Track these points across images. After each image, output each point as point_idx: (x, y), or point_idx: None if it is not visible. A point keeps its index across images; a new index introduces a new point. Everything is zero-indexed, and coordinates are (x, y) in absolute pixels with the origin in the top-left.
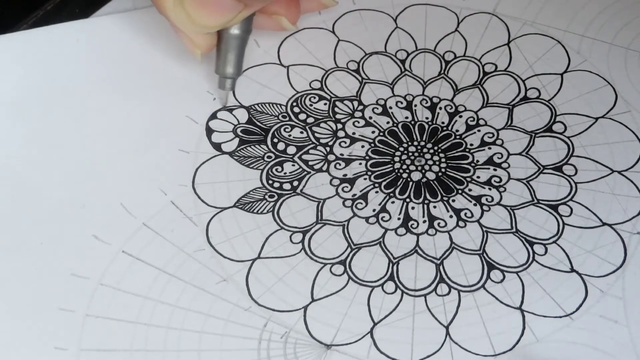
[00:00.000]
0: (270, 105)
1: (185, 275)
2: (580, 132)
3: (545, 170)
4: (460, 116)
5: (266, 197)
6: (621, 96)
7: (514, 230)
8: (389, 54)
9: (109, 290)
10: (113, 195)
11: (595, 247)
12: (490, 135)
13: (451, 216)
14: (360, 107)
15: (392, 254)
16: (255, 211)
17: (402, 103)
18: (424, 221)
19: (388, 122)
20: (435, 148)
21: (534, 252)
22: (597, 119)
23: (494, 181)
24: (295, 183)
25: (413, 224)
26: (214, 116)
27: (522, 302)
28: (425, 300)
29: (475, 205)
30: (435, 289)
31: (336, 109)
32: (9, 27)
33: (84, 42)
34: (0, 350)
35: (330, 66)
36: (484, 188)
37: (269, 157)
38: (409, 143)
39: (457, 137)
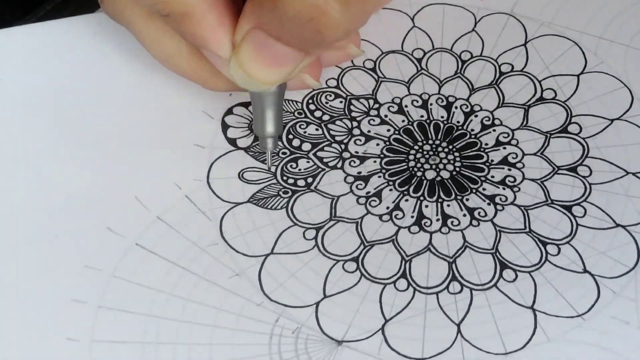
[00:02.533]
0: (286, 102)
1: (198, 269)
2: (596, 134)
3: (559, 171)
4: (476, 115)
5: (280, 193)
6: (637, 98)
7: (527, 230)
8: (405, 53)
9: (122, 282)
10: (128, 188)
11: (609, 248)
12: (506, 135)
13: (465, 215)
14: (376, 106)
15: (404, 252)
16: (269, 207)
17: (417, 102)
18: (438, 219)
19: (403, 121)
20: (450, 147)
21: (547, 252)
22: (612, 120)
23: (508, 181)
24: (310, 180)
25: (426, 222)
26: (229, 111)
27: (534, 302)
28: (437, 298)
29: (489, 204)
30: (447, 287)
31: (352, 107)
32: (8, 26)
33: (102, 34)
34: (13, 340)
35: (346, 64)
36: (498, 188)
37: (283, 153)
38: (424, 142)
39: (472, 136)
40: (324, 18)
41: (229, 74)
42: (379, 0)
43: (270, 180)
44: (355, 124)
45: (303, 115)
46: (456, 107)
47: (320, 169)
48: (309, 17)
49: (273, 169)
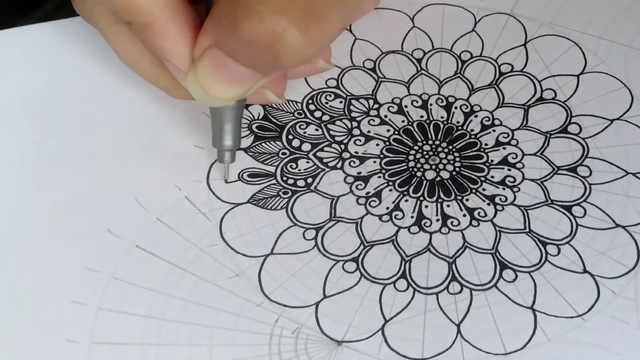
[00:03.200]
0: (286, 102)
1: (198, 270)
2: (596, 134)
3: (559, 171)
4: (476, 116)
5: (280, 193)
6: (637, 98)
7: (527, 230)
8: (405, 53)
9: (121, 284)
10: (127, 190)
11: (609, 248)
12: (505, 135)
13: (464, 215)
14: (376, 106)
15: (404, 252)
16: (269, 207)
17: (417, 102)
18: (437, 220)
19: (403, 121)
20: (450, 147)
21: (546, 253)
22: (612, 120)
23: (508, 181)
24: (310, 180)
25: (426, 222)
26: None
27: (534, 302)
28: (437, 298)
29: (489, 204)
30: (447, 287)
31: (351, 107)
32: (8, 26)
33: (100, 35)
34: (13, 342)
35: (346, 64)
36: (498, 188)
37: (283, 153)
38: (424, 142)
39: (472, 136)
40: (282, 45)
41: (187, 86)
42: (339, 27)
43: (270, 180)
44: (355, 124)
45: (303, 116)
46: (456, 108)
47: (320, 169)
48: (266, 43)
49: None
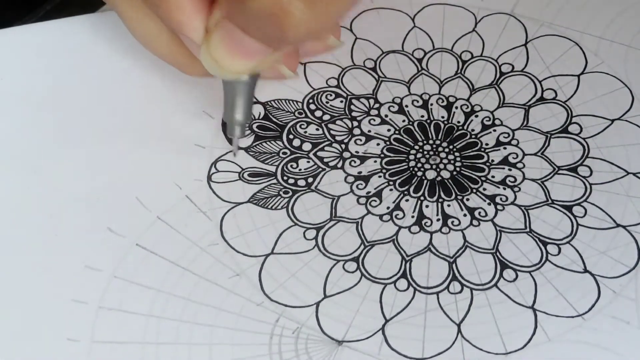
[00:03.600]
0: (287, 101)
1: (198, 269)
2: (596, 134)
3: (560, 171)
4: (476, 116)
5: (281, 193)
6: (638, 98)
7: (527, 230)
8: (406, 53)
9: (122, 282)
10: (128, 188)
11: (609, 248)
12: (506, 135)
13: (465, 215)
14: (377, 105)
15: (405, 252)
16: (269, 207)
17: (418, 102)
18: (438, 219)
19: (404, 121)
20: (451, 147)
21: (547, 252)
22: (613, 120)
23: (509, 181)
24: (310, 179)
25: (427, 222)
26: None
27: (534, 302)
28: (438, 298)
29: (489, 204)
30: (447, 287)
31: (352, 107)
32: (8, 26)
33: (102, 34)
34: (13, 341)
35: (347, 64)
36: (499, 187)
37: (284, 153)
38: (425, 142)
39: (473, 136)
40: (286, 16)
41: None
42: (345, 4)
43: (270, 180)
44: (355, 123)
45: (303, 115)
46: (457, 107)
47: (320, 169)
48: (271, 13)
49: (239, 155)
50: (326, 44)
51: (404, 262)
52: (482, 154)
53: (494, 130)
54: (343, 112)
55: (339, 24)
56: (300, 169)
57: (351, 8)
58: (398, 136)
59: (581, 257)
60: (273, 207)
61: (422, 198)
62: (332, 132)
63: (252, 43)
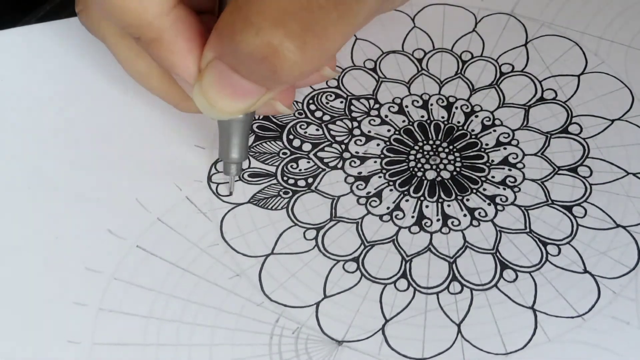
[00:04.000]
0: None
1: (198, 270)
2: (596, 134)
3: (560, 171)
4: (476, 116)
5: (281, 193)
6: (638, 98)
7: (527, 230)
8: (406, 53)
9: (122, 284)
10: (128, 190)
11: (609, 248)
12: (506, 135)
13: (465, 215)
14: (377, 106)
15: (405, 252)
16: (269, 207)
17: (418, 102)
18: (438, 220)
19: (404, 121)
20: (451, 147)
21: (547, 253)
22: (613, 120)
23: (509, 181)
24: (310, 180)
25: (427, 222)
26: None
27: (534, 302)
28: (438, 298)
29: (489, 204)
30: (447, 287)
31: (352, 107)
32: (8, 26)
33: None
34: (14, 343)
35: (347, 64)
36: (499, 188)
37: (284, 153)
38: (425, 142)
39: (473, 136)
40: (278, 59)
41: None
42: (340, 43)
43: (271, 180)
44: (355, 124)
45: (303, 116)
46: (457, 108)
47: (320, 169)
48: (262, 55)
49: (236, 193)
50: (321, 75)
51: (404, 262)
52: (482, 154)
53: (494, 131)
54: (343, 112)
55: (334, 56)
56: (300, 170)
57: (344, 44)
58: (398, 136)
59: (581, 257)
60: (273, 208)
61: (422, 198)
62: (332, 132)
63: (245, 84)
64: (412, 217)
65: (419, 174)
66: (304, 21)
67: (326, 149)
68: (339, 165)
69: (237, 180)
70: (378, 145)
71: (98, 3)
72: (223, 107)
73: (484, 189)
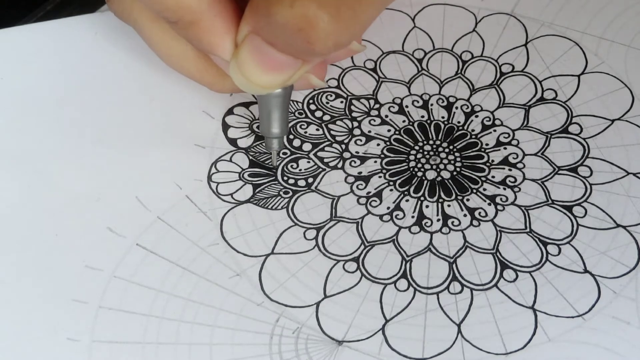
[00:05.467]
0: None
1: (198, 269)
2: (596, 134)
3: (560, 171)
4: (477, 116)
5: (281, 193)
6: (638, 98)
7: (527, 230)
8: (406, 53)
9: (122, 282)
10: (128, 188)
11: (609, 248)
12: (506, 135)
13: (465, 215)
14: (377, 106)
15: (405, 252)
16: (269, 207)
17: (418, 102)
18: (438, 220)
19: (404, 121)
20: (451, 147)
21: (547, 253)
22: (613, 120)
23: (509, 181)
24: (310, 180)
25: (427, 222)
26: (230, 112)
27: (534, 302)
28: (438, 298)
29: (489, 204)
30: (447, 287)
31: (352, 107)
32: (8, 26)
33: (102, 34)
34: (14, 340)
35: (347, 64)
36: (499, 188)
37: (284, 153)
38: (425, 142)
39: (473, 136)
40: (313, 29)
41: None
42: (373, 14)
43: (271, 180)
44: (355, 124)
45: (304, 116)
46: (457, 108)
47: (320, 169)
48: (297, 27)
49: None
50: (349, 49)
51: (404, 262)
52: (482, 154)
53: (494, 131)
54: (343, 112)
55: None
56: (300, 169)
57: (379, 14)
58: (398, 136)
59: (581, 257)
60: (273, 207)
61: (422, 198)
62: (332, 132)
63: (281, 57)
64: (412, 217)
65: (419, 174)
66: None
67: (326, 148)
68: (339, 165)
69: (279, 155)
70: (378, 145)
71: None
72: (260, 81)
73: (484, 189)
